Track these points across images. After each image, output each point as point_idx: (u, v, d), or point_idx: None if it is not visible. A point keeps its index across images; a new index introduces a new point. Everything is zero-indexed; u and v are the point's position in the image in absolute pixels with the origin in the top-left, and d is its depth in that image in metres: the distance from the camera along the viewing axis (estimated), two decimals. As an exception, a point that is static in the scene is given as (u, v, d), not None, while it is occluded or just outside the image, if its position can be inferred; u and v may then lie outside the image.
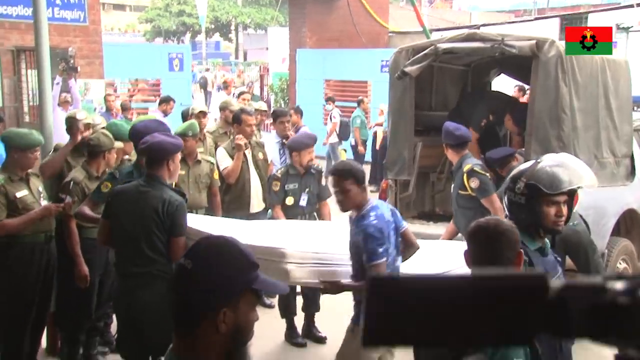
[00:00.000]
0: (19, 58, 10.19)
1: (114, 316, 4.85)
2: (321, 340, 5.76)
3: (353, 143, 12.87)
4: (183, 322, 1.67)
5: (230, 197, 6.11)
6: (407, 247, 3.99)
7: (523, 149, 5.72)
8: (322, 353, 5.60)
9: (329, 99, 13.90)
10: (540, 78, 5.45)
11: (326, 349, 5.67)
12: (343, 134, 12.72)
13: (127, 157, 5.39)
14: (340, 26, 16.84)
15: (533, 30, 13.47)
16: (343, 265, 3.94)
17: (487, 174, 5.15)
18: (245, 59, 41.55)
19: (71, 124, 5.49)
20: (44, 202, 4.73)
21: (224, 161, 6.10)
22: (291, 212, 5.52)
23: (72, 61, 9.97)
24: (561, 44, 5.44)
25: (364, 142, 12.98)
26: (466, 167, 5.07)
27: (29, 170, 4.76)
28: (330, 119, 13.07)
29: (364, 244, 3.65)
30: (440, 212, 6.72)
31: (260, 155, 6.28)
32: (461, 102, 6.89)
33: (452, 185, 5.19)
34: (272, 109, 12.05)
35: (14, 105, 10.08)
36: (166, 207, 3.79)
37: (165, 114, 10.23)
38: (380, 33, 17.57)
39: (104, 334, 5.42)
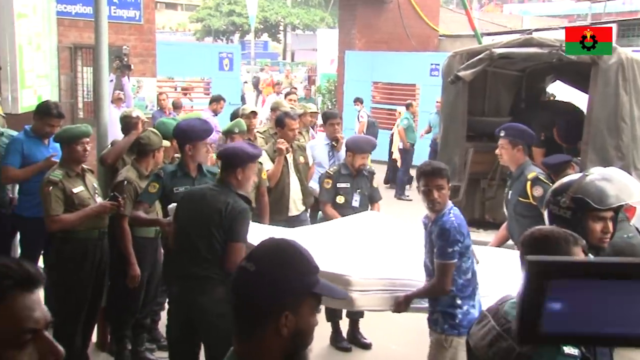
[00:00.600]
0: (76, 55, 10.42)
1: (162, 314, 4.91)
2: (366, 346, 5.72)
3: (400, 147, 12.77)
4: (244, 325, 1.66)
5: (270, 200, 6.09)
6: None
7: (579, 158, 5.59)
8: (366, 359, 5.58)
9: (356, 99, 14.15)
10: (599, 85, 5.32)
11: (370, 355, 5.64)
12: (370, 134, 12.66)
13: (177, 155, 5.45)
14: (390, 28, 16.77)
15: (588, 36, 13.13)
16: (409, 291, 3.89)
17: (551, 185, 4.99)
18: (292, 59, 41.74)
19: (127, 122, 5.58)
20: (99, 199, 4.82)
21: (265, 164, 6.07)
22: (342, 212, 5.48)
23: (126, 59, 10.16)
24: (623, 51, 5.30)
25: (412, 146, 12.89)
26: (530, 175, 4.88)
27: (84, 166, 4.85)
28: (358, 119, 13.48)
29: (436, 239, 3.63)
30: (490, 219, 6.62)
31: (302, 159, 6.26)
32: (519, 114, 6.72)
33: (509, 191, 5.04)
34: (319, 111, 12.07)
35: (70, 102, 10.31)
36: (228, 210, 3.78)
37: (216, 113, 10.35)
38: (430, 36, 17.44)
39: (151, 331, 5.49)
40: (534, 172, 4.90)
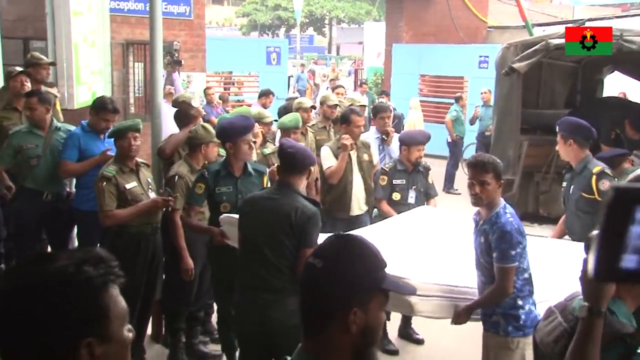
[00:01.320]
0: (128, 51, 10.60)
1: (215, 306, 4.94)
2: (419, 342, 5.66)
3: (449, 139, 12.63)
4: (313, 322, 1.65)
5: (331, 198, 6.02)
6: None
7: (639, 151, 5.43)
8: (418, 356, 5.53)
9: (382, 92, 14.17)
10: (662, 76, 5.15)
11: (422, 350, 5.60)
12: (396, 127, 12.50)
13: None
14: (438, 21, 16.58)
15: (644, 25, 12.76)
16: (468, 299, 3.79)
17: (615, 179, 4.83)
18: (338, 53, 41.67)
19: (185, 110, 5.61)
20: (152, 194, 4.87)
21: (328, 160, 5.98)
22: (398, 209, 5.38)
23: (176, 55, 10.30)
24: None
25: (461, 139, 12.73)
26: (596, 169, 4.71)
27: (140, 161, 4.92)
28: None
29: (497, 243, 3.52)
30: (544, 213, 6.51)
31: (366, 157, 6.06)
32: (580, 108, 6.56)
33: (570, 186, 4.89)
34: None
35: (122, 97, 10.50)
36: (298, 215, 3.63)
37: (265, 107, 10.39)
38: (479, 28, 17.18)
39: (204, 323, 5.55)
40: (599, 166, 4.74)
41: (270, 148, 6.02)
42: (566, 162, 6.56)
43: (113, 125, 5.12)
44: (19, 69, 6.35)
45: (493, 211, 3.59)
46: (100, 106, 5.45)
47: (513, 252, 3.50)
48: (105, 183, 4.67)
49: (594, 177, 4.69)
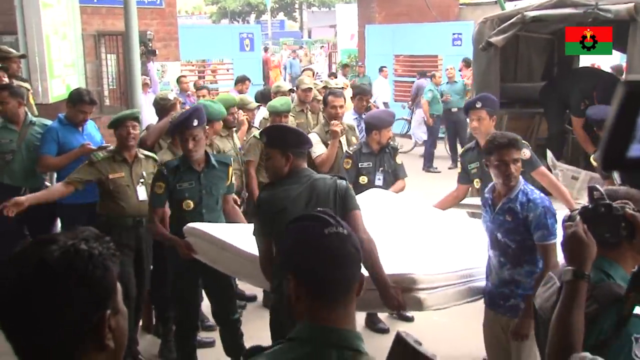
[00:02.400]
0: (100, 42, 10.45)
1: (204, 295, 4.88)
2: (408, 319, 5.62)
3: (426, 120, 12.67)
4: (346, 286, 1.70)
5: None
6: None
7: None
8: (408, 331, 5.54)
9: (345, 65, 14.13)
10: (638, 43, 5.19)
11: (412, 327, 5.60)
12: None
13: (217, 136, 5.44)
14: (410, 0, 16.56)
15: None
16: (476, 280, 3.74)
17: (528, 144, 4.88)
18: (309, 37, 41.48)
19: (162, 105, 5.57)
20: (141, 188, 4.80)
21: (317, 148, 5.80)
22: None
23: (150, 45, 10.19)
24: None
25: (438, 117, 12.77)
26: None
27: (142, 154, 4.84)
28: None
29: (542, 220, 3.42)
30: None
31: (354, 140, 5.97)
32: (555, 80, 6.60)
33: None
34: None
35: (97, 89, 10.37)
36: (338, 187, 3.45)
37: (241, 93, 10.33)
38: (451, 5, 17.19)
39: None
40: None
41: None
42: (545, 134, 6.68)
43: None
44: None
45: (516, 188, 3.51)
46: (77, 98, 5.39)
47: (556, 225, 3.42)
48: (87, 163, 4.76)
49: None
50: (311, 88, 7.27)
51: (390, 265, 3.50)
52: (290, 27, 47.15)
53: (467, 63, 12.74)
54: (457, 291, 3.66)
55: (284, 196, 3.43)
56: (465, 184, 5.00)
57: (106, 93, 10.89)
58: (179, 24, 12.25)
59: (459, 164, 5.15)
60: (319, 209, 1.84)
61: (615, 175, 2.93)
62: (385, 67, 15.40)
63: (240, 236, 3.99)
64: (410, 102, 13.70)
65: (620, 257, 2.18)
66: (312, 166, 5.89)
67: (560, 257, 2.93)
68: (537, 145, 6.74)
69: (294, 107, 7.29)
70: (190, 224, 4.19)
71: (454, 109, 12.38)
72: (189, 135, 4.26)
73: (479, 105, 4.80)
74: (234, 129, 6.00)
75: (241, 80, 10.38)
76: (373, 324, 5.58)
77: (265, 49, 24.73)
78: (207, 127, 5.15)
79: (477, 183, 4.84)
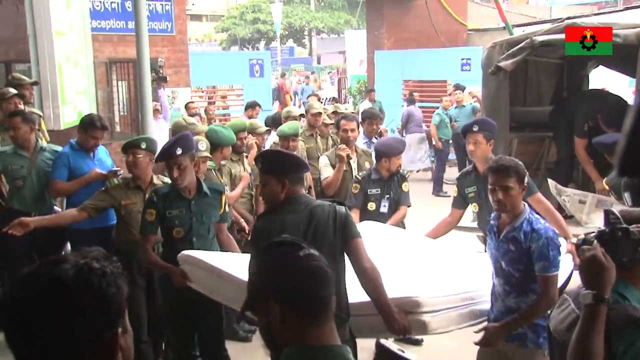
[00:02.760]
0: (111, 69, 10.55)
1: None
2: (417, 342, 5.58)
3: (435, 145, 12.70)
4: (330, 302, 1.78)
5: None
6: None
7: None
8: (419, 356, 5.48)
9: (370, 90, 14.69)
10: (647, 67, 5.19)
11: (422, 351, 5.54)
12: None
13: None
14: (418, 26, 16.68)
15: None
16: (478, 303, 3.71)
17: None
18: (318, 63, 41.75)
19: (180, 129, 5.61)
20: None
21: (325, 171, 5.93)
22: (372, 219, 5.15)
23: (161, 71, 10.27)
24: (670, 30, 5.17)
25: (447, 142, 12.79)
26: None
27: (162, 180, 4.84)
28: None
29: (544, 251, 3.32)
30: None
31: (367, 165, 5.98)
32: (564, 103, 6.61)
33: (481, 188, 4.73)
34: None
35: (108, 116, 10.43)
36: (338, 213, 3.33)
37: (251, 119, 10.38)
38: (459, 31, 17.29)
39: None
40: None
41: None
42: (554, 158, 6.65)
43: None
44: (13, 90, 6.31)
45: (521, 217, 3.42)
46: (88, 124, 5.44)
47: (560, 258, 3.38)
48: (101, 190, 4.86)
49: None
50: (321, 112, 7.32)
51: (393, 289, 3.44)
52: (300, 54, 47.51)
53: (457, 87, 13.21)
54: (459, 314, 3.63)
55: (281, 224, 3.25)
56: (459, 209, 4.99)
57: (117, 119, 10.96)
58: (189, 51, 12.37)
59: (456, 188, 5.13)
60: (284, 236, 1.90)
61: (627, 197, 2.90)
62: (373, 90, 15.56)
63: (237, 264, 3.89)
64: (399, 128, 13.71)
65: (635, 278, 2.16)
66: (320, 190, 5.95)
67: (575, 281, 2.89)
68: (547, 169, 6.73)
69: (304, 131, 7.34)
70: (185, 252, 4.10)
71: (463, 133, 12.42)
72: (173, 163, 4.21)
73: (475, 128, 4.84)
74: (244, 153, 6.04)
75: (251, 106, 10.45)
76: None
77: (283, 75, 24.96)
78: (216, 152, 5.22)
79: (475, 207, 4.85)
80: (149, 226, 4.29)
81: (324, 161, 6.08)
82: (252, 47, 42.72)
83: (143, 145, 4.80)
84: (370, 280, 3.28)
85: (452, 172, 12.73)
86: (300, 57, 44.94)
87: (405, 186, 5.48)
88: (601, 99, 6.33)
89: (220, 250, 4.51)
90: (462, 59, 15.17)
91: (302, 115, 7.46)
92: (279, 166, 3.41)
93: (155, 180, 4.86)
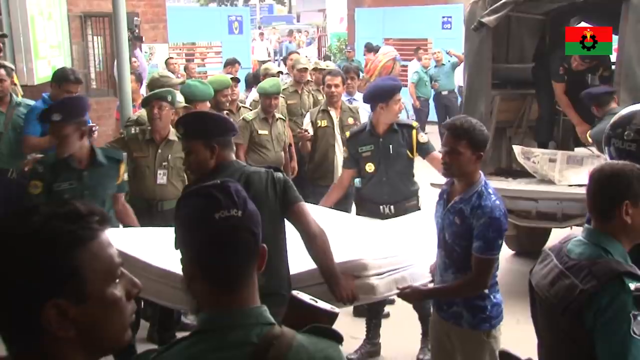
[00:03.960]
0: (86, 24, 10.29)
1: None
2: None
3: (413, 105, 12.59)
4: (243, 268, 1.54)
5: (313, 165, 5.94)
6: None
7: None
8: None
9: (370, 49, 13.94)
10: (630, 22, 5.16)
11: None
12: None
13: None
14: (399, -17, 16.46)
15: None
16: (421, 265, 3.53)
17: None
18: (298, 21, 41.20)
19: (154, 84, 5.50)
20: (162, 171, 4.70)
21: (306, 127, 5.96)
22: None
23: (137, 30, 10.03)
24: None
25: (426, 101, 12.71)
26: (414, 123, 4.83)
27: (171, 137, 4.69)
28: None
29: (484, 231, 3.02)
30: (517, 167, 6.52)
31: (350, 121, 5.86)
32: (545, 58, 6.55)
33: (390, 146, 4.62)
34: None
35: (83, 72, 10.20)
36: (275, 180, 3.06)
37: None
38: (441, -12, 17.08)
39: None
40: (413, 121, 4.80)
41: (251, 114, 5.94)
42: (535, 117, 6.64)
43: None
44: None
45: (472, 188, 3.10)
46: (62, 77, 5.32)
47: (500, 242, 3.10)
48: (119, 138, 4.81)
49: (414, 131, 4.65)
50: (306, 68, 7.27)
51: (337, 254, 3.22)
52: (279, 12, 46.82)
53: (368, 48, 13.17)
54: (401, 276, 3.46)
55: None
56: (350, 169, 4.81)
57: (93, 76, 10.74)
58: (167, 6, 12.10)
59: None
60: (220, 180, 1.63)
61: (608, 150, 2.85)
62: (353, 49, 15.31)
63: (156, 247, 3.50)
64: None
65: (619, 232, 2.15)
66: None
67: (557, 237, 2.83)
68: (529, 127, 6.72)
69: (288, 87, 7.26)
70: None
71: (444, 92, 12.38)
72: (50, 130, 3.87)
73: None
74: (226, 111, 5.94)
75: (230, 63, 10.26)
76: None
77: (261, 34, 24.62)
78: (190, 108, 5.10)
79: (370, 167, 4.66)
80: (32, 200, 3.81)
81: (305, 119, 6.04)
82: (230, 4, 41.98)
83: (169, 98, 4.67)
84: (319, 244, 3.05)
85: (432, 131, 12.69)
86: (280, 15, 44.27)
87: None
88: None
89: (117, 222, 4.21)
90: (443, 17, 15.04)
91: (279, 73, 7.38)
92: (205, 130, 3.04)
93: (171, 136, 4.66)
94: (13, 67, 6.49)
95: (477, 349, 3.18)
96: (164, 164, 4.66)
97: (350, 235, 3.93)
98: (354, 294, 3.18)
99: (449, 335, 3.28)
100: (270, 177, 3.04)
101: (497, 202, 3.09)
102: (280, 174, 3.10)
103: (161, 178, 4.64)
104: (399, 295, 3.38)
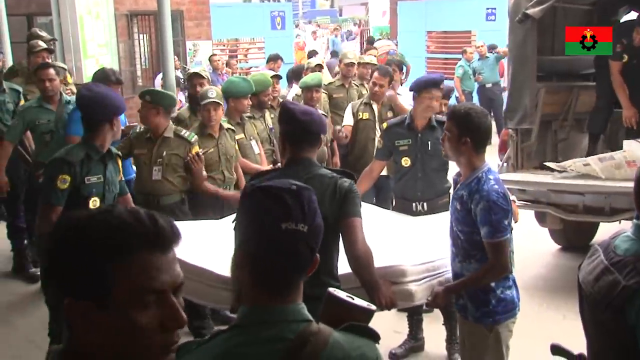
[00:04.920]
0: (132, 22, 10.49)
1: None
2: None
3: (456, 94, 12.50)
4: (296, 277, 1.59)
5: (353, 157, 6.00)
6: None
7: None
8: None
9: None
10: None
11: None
12: None
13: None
14: (442, -25, 16.27)
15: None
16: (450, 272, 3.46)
17: None
18: (340, 15, 41.15)
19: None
20: (156, 168, 4.74)
21: (345, 119, 6.01)
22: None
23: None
24: None
25: (470, 94, 12.60)
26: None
27: (176, 133, 4.77)
28: None
29: (486, 215, 3.02)
30: (563, 161, 6.42)
31: (389, 115, 5.82)
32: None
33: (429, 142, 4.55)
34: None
35: (130, 69, 10.43)
36: (335, 187, 2.94)
37: (273, 71, 10.29)
38: (485, -21, 16.83)
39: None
40: None
41: None
42: (584, 109, 6.52)
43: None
44: (43, 44, 6.30)
45: (473, 174, 3.11)
46: (102, 78, 5.41)
47: (506, 222, 3.06)
48: (127, 138, 4.84)
49: None
50: (354, 63, 7.27)
51: (378, 256, 3.13)
52: (321, 6, 46.79)
53: (369, 41, 12.74)
54: (438, 282, 3.44)
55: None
56: (382, 160, 4.75)
57: (139, 73, 10.95)
58: (210, 3, 12.23)
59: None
60: (292, 182, 1.62)
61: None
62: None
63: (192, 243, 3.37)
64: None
65: None
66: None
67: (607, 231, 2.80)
68: (576, 120, 6.60)
69: (334, 82, 7.31)
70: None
71: (488, 85, 12.26)
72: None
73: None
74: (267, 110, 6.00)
75: (273, 59, 10.34)
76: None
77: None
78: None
79: (406, 162, 4.60)
80: (60, 195, 3.72)
81: (348, 111, 6.08)
82: (273, -1, 42.16)
83: (147, 98, 4.74)
84: (361, 264, 2.96)
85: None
86: (322, 9, 44.25)
87: None
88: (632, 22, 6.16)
89: None
90: (487, 9, 14.80)
91: (318, 66, 7.43)
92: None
93: (167, 133, 4.74)
94: (65, 67, 6.66)
95: (478, 342, 3.18)
96: (159, 160, 4.70)
97: (389, 236, 3.91)
98: (393, 300, 3.14)
99: (461, 327, 3.36)
100: (332, 184, 2.92)
101: (496, 186, 3.07)
102: (346, 182, 2.96)
103: (156, 174, 4.68)
104: (427, 305, 3.40)
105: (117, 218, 1.13)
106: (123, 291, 1.11)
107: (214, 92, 4.97)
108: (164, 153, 4.72)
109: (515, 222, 3.93)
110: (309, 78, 6.12)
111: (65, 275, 1.13)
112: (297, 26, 23.17)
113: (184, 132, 4.79)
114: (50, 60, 6.13)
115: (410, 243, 3.87)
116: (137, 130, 5.03)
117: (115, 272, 1.11)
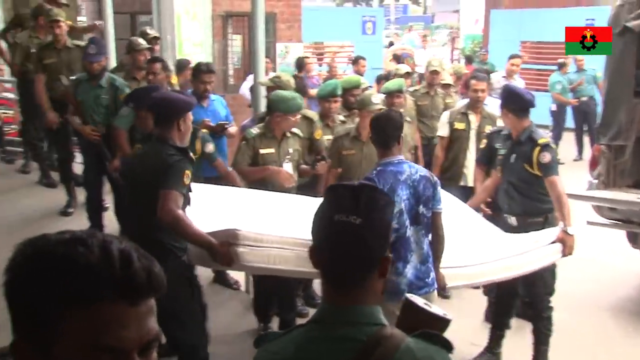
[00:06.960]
0: (227, 23, 10.78)
1: None
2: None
3: (554, 108, 12.13)
4: (353, 274, 1.57)
5: (445, 166, 5.98)
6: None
7: None
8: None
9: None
10: None
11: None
12: None
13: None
14: (540, -17, 15.89)
15: None
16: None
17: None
18: (432, 21, 40.77)
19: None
20: (287, 164, 4.91)
21: (442, 130, 6.00)
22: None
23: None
24: None
25: (564, 106, 12.20)
26: (541, 140, 4.36)
27: (291, 131, 4.93)
28: None
29: (428, 192, 3.60)
30: (658, 179, 6.13)
31: (488, 129, 5.52)
32: None
33: (511, 155, 4.50)
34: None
35: (222, 68, 10.71)
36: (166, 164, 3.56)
37: (359, 74, 10.31)
38: (584, -11, 16.33)
39: (306, 289, 5.62)
40: (544, 138, 4.44)
41: None
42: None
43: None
44: (144, 43, 6.56)
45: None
46: (196, 69, 5.78)
47: (438, 193, 3.70)
48: (244, 142, 4.94)
49: (538, 148, 4.31)
50: (438, 71, 7.22)
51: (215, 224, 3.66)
52: (414, 12, 46.52)
53: (396, 58, 12.39)
54: (281, 255, 3.58)
55: None
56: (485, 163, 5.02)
57: (231, 72, 11.24)
58: (302, 6, 12.40)
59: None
60: (363, 182, 1.70)
61: None
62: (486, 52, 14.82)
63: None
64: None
65: None
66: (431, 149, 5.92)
67: None
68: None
69: (419, 89, 7.34)
70: (238, 230, 3.54)
71: (584, 98, 11.84)
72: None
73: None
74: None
75: (355, 61, 10.38)
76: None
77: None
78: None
79: (498, 171, 4.72)
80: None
81: (443, 118, 6.06)
82: (366, 3, 42.25)
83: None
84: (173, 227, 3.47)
85: (569, 139, 12.10)
86: (414, 15, 43.99)
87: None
88: None
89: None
90: (587, 19, 14.29)
91: (408, 73, 7.44)
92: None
93: (288, 134, 4.93)
94: (172, 68, 6.95)
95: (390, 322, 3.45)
96: (287, 157, 4.96)
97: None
98: (232, 258, 3.48)
99: None
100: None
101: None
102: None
103: (288, 170, 4.94)
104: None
105: (84, 257, 0.95)
106: (72, 343, 0.94)
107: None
108: (290, 150, 4.96)
109: (570, 254, 4.16)
110: (390, 83, 6.17)
111: (17, 309, 0.98)
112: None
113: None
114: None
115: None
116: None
117: (67, 319, 0.94)
